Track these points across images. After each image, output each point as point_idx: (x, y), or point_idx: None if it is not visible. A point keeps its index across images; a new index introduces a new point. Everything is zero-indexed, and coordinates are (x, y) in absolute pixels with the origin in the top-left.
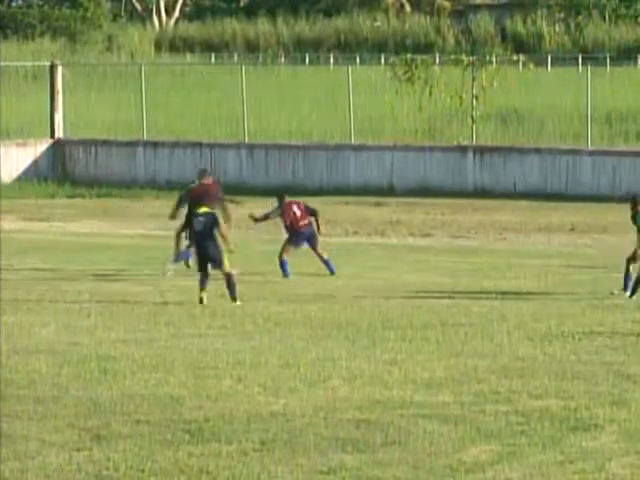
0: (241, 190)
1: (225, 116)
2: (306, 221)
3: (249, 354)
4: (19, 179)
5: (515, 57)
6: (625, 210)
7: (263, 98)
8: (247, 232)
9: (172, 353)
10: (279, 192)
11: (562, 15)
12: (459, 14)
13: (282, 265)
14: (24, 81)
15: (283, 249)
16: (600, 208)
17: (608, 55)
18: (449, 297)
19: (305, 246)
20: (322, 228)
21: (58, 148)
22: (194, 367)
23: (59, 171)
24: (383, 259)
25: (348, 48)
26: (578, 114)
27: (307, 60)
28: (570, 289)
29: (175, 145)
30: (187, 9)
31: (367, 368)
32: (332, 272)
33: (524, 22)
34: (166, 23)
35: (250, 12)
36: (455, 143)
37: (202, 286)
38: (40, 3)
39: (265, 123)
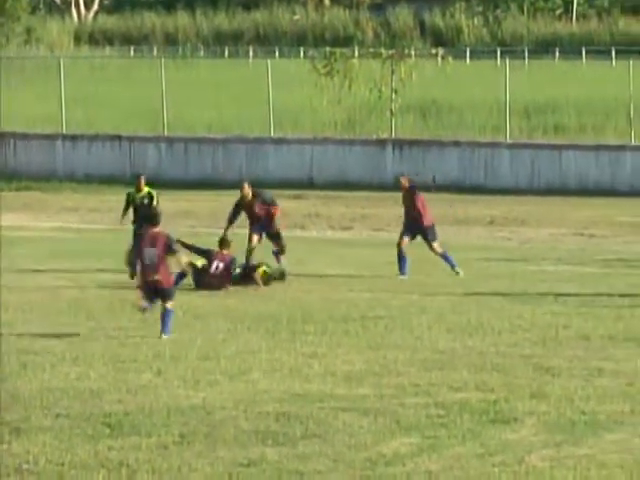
0: (160, 183)
1: (144, 109)
2: None
3: (169, 347)
4: None
5: (434, 50)
6: (543, 203)
7: (182, 91)
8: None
9: (92, 346)
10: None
11: (480, 9)
12: (378, 7)
13: None
14: None
15: None
16: (519, 201)
17: (526, 48)
18: (369, 290)
19: None
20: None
21: None
22: (114, 360)
23: None
24: (303, 252)
25: (267, 41)
26: (497, 107)
27: (226, 53)
28: (489, 282)
29: (94, 138)
30: (106, 2)
31: (287, 361)
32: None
33: (443, 15)
34: (85, 16)
35: (169, 5)
36: (374, 136)
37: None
38: None
39: (185, 116)
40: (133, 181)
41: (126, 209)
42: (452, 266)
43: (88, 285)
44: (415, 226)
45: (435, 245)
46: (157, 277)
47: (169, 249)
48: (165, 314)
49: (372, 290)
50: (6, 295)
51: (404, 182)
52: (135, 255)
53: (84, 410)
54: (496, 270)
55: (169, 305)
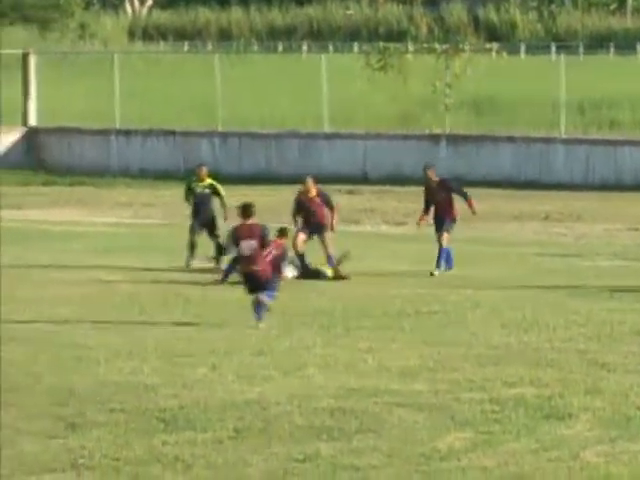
0: (214, 179)
1: (198, 104)
2: None
3: (224, 342)
4: None
5: (488, 45)
6: (598, 198)
7: (236, 86)
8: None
9: (146, 341)
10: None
11: (535, 3)
12: (432, 2)
13: None
14: None
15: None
16: (573, 196)
17: (581, 43)
18: (423, 286)
19: None
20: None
21: (31, 136)
22: (169, 355)
23: (32, 159)
24: (357, 248)
25: (321, 36)
26: (551, 102)
27: (280, 48)
28: (545, 277)
29: (148, 133)
30: None
31: (342, 356)
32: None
33: (497, 10)
34: (139, 11)
35: (223, 0)
36: (428, 131)
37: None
38: None
39: (238, 111)
40: (187, 176)
41: (187, 197)
42: (438, 263)
43: (142, 280)
44: (441, 221)
45: (445, 236)
46: (256, 268)
47: (264, 241)
48: (259, 305)
49: (426, 285)
50: (60, 289)
51: (432, 175)
52: (229, 246)
53: (139, 405)
54: (551, 265)
55: (265, 297)
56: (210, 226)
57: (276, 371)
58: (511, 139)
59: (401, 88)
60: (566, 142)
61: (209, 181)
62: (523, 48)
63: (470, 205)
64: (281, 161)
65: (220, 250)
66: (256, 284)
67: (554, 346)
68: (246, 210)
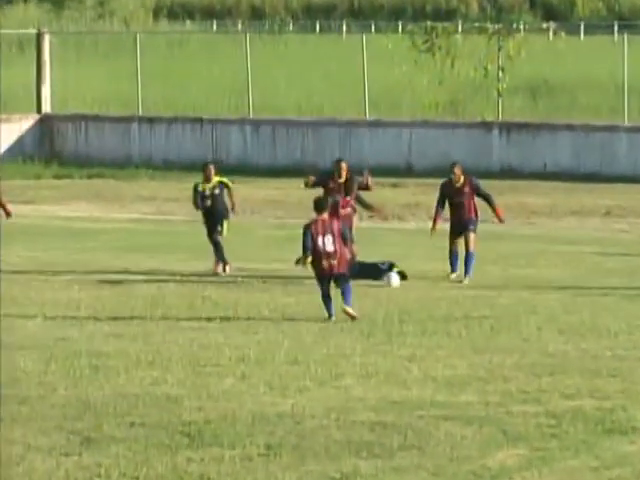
0: (245, 170)
1: (228, 89)
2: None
3: (254, 349)
4: (2, 158)
5: (545, 25)
6: None
7: (269, 69)
8: (251, 216)
9: (170, 348)
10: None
11: None
12: None
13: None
14: (8, 50)
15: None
16: (638, 190)
17: None
18: (472, 287)
19: None
20: None
21: (45, 124)
22: (194, 364)
23: (46, 149)
24: (401, 245)
25: (362, 15)
26: (614, 86)
27: (317, 28)
28: (605, 278)
29: (173, 121)
30: None
31: (383, 365)
32: None
33: None
34: None
35: None
36: (479, 119)
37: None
38: None
39: (272, 97)
40: (215, 168)
41: (196, 200)
42: (467, 269)
43: (166, 281)
44: (461, 226)
45: (472, 237)
46: (334, 262)
47: (342, 236)
48: (345, 289)
49: (476, 287)
50: (76, 292)
51: (459, 172)
52: (307, 243)
53: (161, 418)
54: (613, 265)
55: (346, 283)
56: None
57: (311, 381)
58: (570, 127)
59: (450, 72)
60: (630, 130)
61: (216, 179)
62: (583, 28)
63: (496, 213)
64: (319, 151)
65: (218, 249)
66: (332, 279)
67: (616, 354)
68: (318, 204)
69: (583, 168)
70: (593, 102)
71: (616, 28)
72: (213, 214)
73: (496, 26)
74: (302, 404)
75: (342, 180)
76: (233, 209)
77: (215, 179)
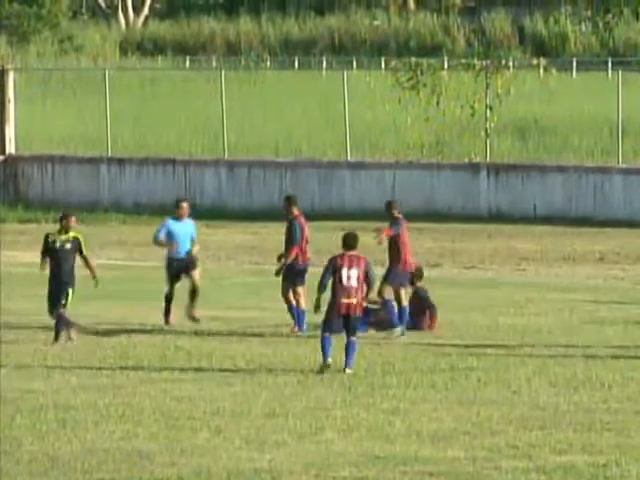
0: (220, 214)
1: (202, 128)
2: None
3: (229, 402)
4: None
5: (535, 61)
6: None
7: (246, 108)
8: (226, 262)
9: (141, 401)
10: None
11: (589, 13)
12: (471, 12)
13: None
14: None
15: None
16: (633, 234)
17: None
18: (459, 337)
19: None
20: None
21: (9, 165)
22: (166, 417)
23: (10, 192)
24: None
25: (343, 50)
26: (608, 126)
27: (296, 64)
28: (598, 328)
29: (144, 162)
30: (158, 6)
31: (365, 419)
32: None
33: (545, 21)
34: (134, 22)
35: (230, 9)
36: (466, 160)
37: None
38: None
39: (248, 137)
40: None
41: (44, 254)
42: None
43: (136, 330)
44: (405, 272)
45: (403, 291)
46: (353, 301)
47: (367, 276)
48: (350, 345)
49: (463, 337)
50: (42, 345)
51: (396, 212)
52: (324, 280)
53: (132, 475)
54: (606, 314)
55: (354, 337)
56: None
57: (290, 436)
58: (561, 169)
59: (435, 110)
60: (625, 172)
61: (72, 234)
62: (575, 64)
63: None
64: (297, 194)
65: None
66: (345, 320)
67: (610, 407)
68: (346, 240)
69: (575, 211)
70: (586, 142)
71: (610, 64)
72: (59, 276)
73: (484, 62)
74: (280, 459)
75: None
76: (94, 277)
77: (72, 233)
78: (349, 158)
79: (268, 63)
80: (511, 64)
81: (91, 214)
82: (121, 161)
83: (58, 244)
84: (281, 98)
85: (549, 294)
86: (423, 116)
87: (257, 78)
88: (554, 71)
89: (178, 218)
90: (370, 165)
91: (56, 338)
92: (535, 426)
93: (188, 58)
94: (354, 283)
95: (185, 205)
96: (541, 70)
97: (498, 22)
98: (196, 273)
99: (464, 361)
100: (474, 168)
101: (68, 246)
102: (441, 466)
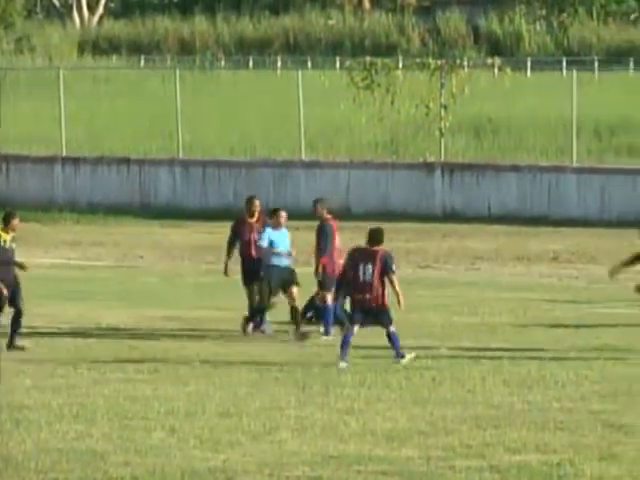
0: (174, 214)
1: (157, 128)
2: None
3: (184, 402)
4: None
5: (490, 60)
6: (615, 236)
7: (200, 107)
8: (181, 262)
9: (95, 401)
10: None
11: (544, 12)
12: (425, 11)
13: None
14: None
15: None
16: (587, 233)
17: (596, 58)
18: (413, 337)
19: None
20: None
21: None
22: (120, 417)
23: None
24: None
25: (298, 50)
26: (562, 126)
27: (251, 63)
28: (552, 327)
29: (99, 161)
30: (112, 5)
31: (320, 418)
32: None
33: (500, 20)
34: (89, 21)
35: (185, 9)
36: (421, 159)
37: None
38: None
39: (202, 136)
40: (143, 211)
41: None
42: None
43: (91, 330)
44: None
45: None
46: (367, 296)
47: (386, 267)
48: (389, 337)
49: (417, 336)
50: None
51: (323, 211)
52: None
53: (85, 475)
54: (561, 314)
55: (390, 328)
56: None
57: (244, 435)
58: (516, 168)
59: (390, 109)
60: (579, 171)
61: (11, 233)
62: (530, 63)
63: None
64: (252, 194)
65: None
66: (366, 314)
67: (563, 406)
68: (373, 235)
69: (530, 211)
70: (540, 142)
71: (564, 64)
72: (7, 275)
73: (438, 62)
74: (234, 459)
75: (254, 220)
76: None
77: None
78: (304, 157)
79: (223, 62)
80: (466, 63)
81: (46, 213)
82: (75, 160)
83: (2, 243)
84: (236, 98)
85: (503, 293)
86: (378, 115)
87: (212, 77)
88: (509, 70)
89: (276, 226)
90: (325, 164)
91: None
92: (489, 425)
93: (143, 57)
94: (369, 279)
95: (284, 214)
96: (496, 69)
97: (453, 21)
98: (294, 290)
99: (419, 360)
100: (429, 167)
101: (14, 245)
102: (395, 465)
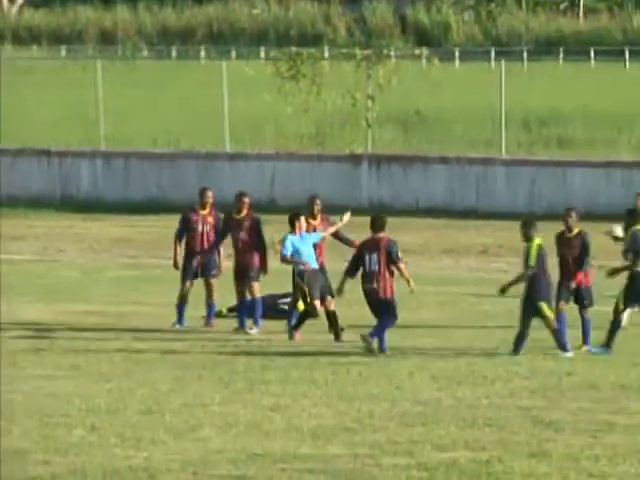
0: (95, 206)
1: (78, 119)
2: None
3: (105, 399)
4: None
5: (417, 51)
6: (545, 229)
7: (122, 98)
8: (101, 255)
9: (14, 398)
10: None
11: (472, 2)
12: (352, 1)
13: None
14: None
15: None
16: (516, 227)
17: (525, 49)
18: (341, 330)
19: None
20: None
21: None
22: (40, 415)
23: None
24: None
25: (222, 40)
26: (491, 117)
27: (174, 54)
28: (481, 322)
29: (19, 153)
30: None
31: (244, 415)
32: None
33: (427, 10)
34: (8, 10)
35: None
36: (347, 151)
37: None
38: None
39: (124, 127)
40: (64, 203)
41: None
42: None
43: (10, 325)
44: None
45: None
46: (374, 285)
47: (390, 256)
48: (381, 324)
49: (343, 330)
50: None
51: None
52: (349, 267)
53: (4, 473)
54: (489, 308)
55: (387, 318)
56: None
57: (167, 433)
58: (444, 160)
59: (315, 100)
60: (508, 163)
61: None
62: (458, 54)
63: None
64: (176, 187)
65: None
66: (376, 305)
67: (492, 402)
68: (374, 223)
69: (458, 204)
70: (469, 133)
71: (493, 54)
72: None
73: (365, 52)
74: (157, 457)
75: (241, 216)
76: None
77: None
78: (228, 149)
79: (145, 52)
80: (393, 54)
81: None
82: None
83: None
84: (158, 89)
85: (431, 287)
86: (303, 106)
87: (134, 68)
88: (436, 61)
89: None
90: (250, 156)
91: None
92: (417, 422)
93: (64, 47)
94: (375, 267)
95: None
96: (423, 60)
97: (380, 11)
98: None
99: (344, 355)
100: (355, 160)
101: None
102: (321, 463)
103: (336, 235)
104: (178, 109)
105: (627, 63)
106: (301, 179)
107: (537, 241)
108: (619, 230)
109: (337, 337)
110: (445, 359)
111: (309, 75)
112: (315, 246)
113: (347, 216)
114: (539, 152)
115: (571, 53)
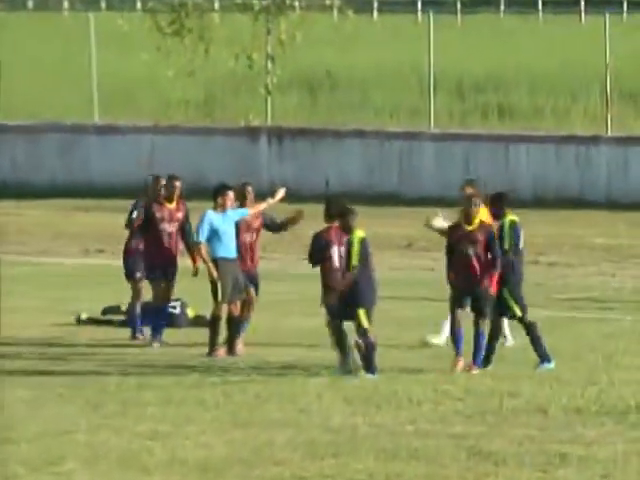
0: None
1: None
2: None
3: None
4: None
5: (328, 1)
6: None
7: None
8: None
9: None
10: None
11: None
12: None
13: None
14: None
15: None
16: (447, 215)
17: None
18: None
19: None
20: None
21: None
22: None
23: None
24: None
25: None
26: (417, 81)
27: (30, 3)
28: (404, 331)
29: None
30: None
31: (116, 444)
32: None
33: None
34: None
35: None
36: (243, 123)
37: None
38: None
39: None
40: None
41: None
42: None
43: None
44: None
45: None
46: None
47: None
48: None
49: (203, 341)
50: None
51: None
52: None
53: None
54: (414, 313)
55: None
56: None
57: (22, 466)
58: (360, 134)
59: (204, 61)
60: (437, 138)
61: None
62: (376, 4)
63: None
64: (34, 164)
65: None
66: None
67: (419, 429)
68: (331, 208)
69: (377, 187)
70: (390, 101)
71: (419, 4)
72: None
73: (264, 2)
74: None
75: (173, 206)
76: None
77: None
78: (97, 120)
79: None
80: (297, 4)
81: None
82: None
83: None
84: (13, 47)
85: None
86: (188, 68)
87: None
88: (351, 13)
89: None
90: (123, 129)
91: None
92: (327, 453)
93: None
94: (341, 263)
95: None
96: (335, 11)
97: None
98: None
99: (239, 372)
100: (252, 133)
101: None
102: None
103: (264, 221)
104: (37, 72)
105: (583, 15)
106: (186, 157)
107: (510, 217)
108: (440, 220)
109: (231, 350)
110: (361, 377)
111: (195, 30)
112: (249, 247)
113: (281, 192)
114: (475, 124)
115: (515, 3)
